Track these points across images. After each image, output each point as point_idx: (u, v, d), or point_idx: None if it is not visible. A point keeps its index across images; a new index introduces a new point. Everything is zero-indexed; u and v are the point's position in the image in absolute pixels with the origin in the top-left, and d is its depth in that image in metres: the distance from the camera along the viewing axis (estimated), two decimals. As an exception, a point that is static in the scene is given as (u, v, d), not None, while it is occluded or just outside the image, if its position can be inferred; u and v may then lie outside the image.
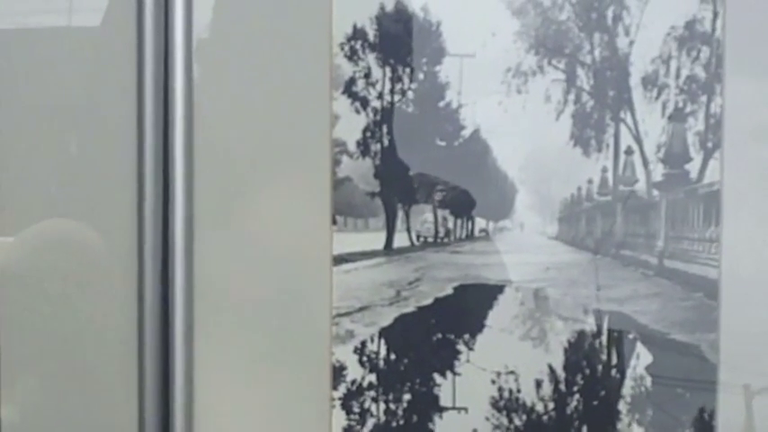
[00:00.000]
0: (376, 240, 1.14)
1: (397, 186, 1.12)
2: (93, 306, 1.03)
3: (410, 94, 1.09)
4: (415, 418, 1.14)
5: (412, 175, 1.10)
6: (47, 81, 1.00)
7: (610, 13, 1.07)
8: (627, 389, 1.14)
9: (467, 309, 1.14)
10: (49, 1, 1.01)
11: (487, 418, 1.15)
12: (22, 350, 1.02)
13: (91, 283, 1.03)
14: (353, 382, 1.13)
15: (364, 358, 1.12)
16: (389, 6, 1.07)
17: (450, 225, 1.11)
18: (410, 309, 1.13)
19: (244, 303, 1.10)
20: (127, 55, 0.99)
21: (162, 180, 1.02)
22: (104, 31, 1.01)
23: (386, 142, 1.08)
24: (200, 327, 1.08)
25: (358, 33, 1.09)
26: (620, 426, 1.14)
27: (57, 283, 1.02)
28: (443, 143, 1.09)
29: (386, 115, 1.09)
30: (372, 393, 1.13)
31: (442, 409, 1.15)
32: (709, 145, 1.08)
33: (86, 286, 1.02)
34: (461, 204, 1.10)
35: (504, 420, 1.12)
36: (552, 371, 1.14)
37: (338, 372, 1.12)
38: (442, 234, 1.12)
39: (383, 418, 1.14)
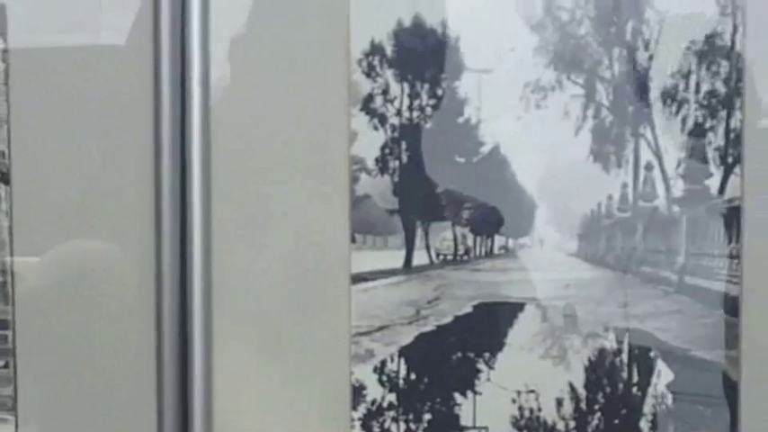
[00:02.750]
0: (395, 258, 1.18)
1: (417, 203, 1.17)
2: (114, 324, 1.09)
3: (428, 111, 1.14)
4: (435, 437, 1.15)
5: (439, 192, 1.15)
6: (69, 99, 1.07)
7: (629, 28, 1.14)
8: (648, 407, 1.16)
9: (487, 327, 1.20)
10: (76, 19, 1.07)
11: (508, 437, 1.15)
12: (44, 367, 1.09)
13: (112, 301, 1.09)
14: (373, 401, 1.19)
15: (384, 377, 1.18)
16: (407, 22, 1.14)
17: (470, 242, 1.18)
18: (430, 327, 1.19)
19: (262, 322, 1.17)
20: (147, 74, 1.06)
21: (180, 197, 1.08)
22: (128, 49, 1.08)
23: (404, 159, 1.15)
24: (219, 345, 1.15)
25: (376, 49, 1.15)
26: (641, 444, 1.15)
27: (81, 302, 1.09)
28: (462, 159, 1.16)
29: (404, 132, 1.14)
30: (392, 413, 1.18)
31: (462, 429, 1.21)
32: (730, 160, 1.14)
33: (108, 304, 1.09)
34: (488, 221, 1.17)
35: (526, 439, 1.16)
36: (573, 389, 1.19)
37: (358, 391, 1.18)
38: (461, 252, 1.18)
39: (403, 438, 1.15)
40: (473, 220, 1.17)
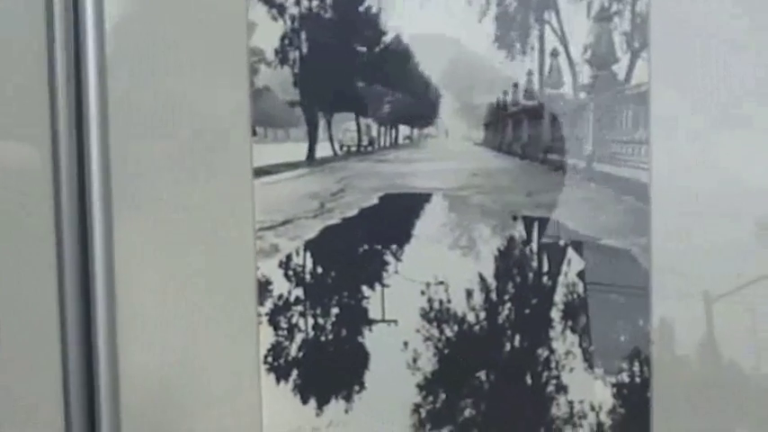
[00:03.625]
0: (298, 151, 1.20)
1: (318, 95, 1.18)
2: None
3: (328, 0, 1.14)
4: (344, 331, 1.22)
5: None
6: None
7: None
8: (559, 296, 1.18)
9: (393, 218, 1.21)
10: None
11: (418, 330, 1.21)
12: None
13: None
14: (280, 296, 1.20)
15: (290, 272, 1.19)
16: None
17: (374, 133, 1.18)
18: (335, 220, 1.20)
19: (165, 217, 1.18)
20: None
21: (75, 93, 1.09)
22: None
23: (305, 50, 1.15)
24: (120, 242, 1.16)
25: (273, -63, 1.12)
26: (552, 334, 1.19)
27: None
28: (364, 49, 1.15)
29: (304, 22, 1.15)
30: (299, 308, 1.20)
31: (371, 322, 1.22)
32: (636, 45, 1.14)
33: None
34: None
35: (435, 332, 1.19)
36: (482, 279, 1.20)
37: (264, 286, 1.19)
38: (365, 143, 1.19)
39: (311, 333, 1.21)
40: (377, 110, 1.16)
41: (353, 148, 1.22)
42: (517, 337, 1.22)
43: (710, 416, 1.18)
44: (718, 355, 1.15)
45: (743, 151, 1.17)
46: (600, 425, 1.17)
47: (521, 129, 1.18)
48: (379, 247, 1.21)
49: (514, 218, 1.18)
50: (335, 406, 1.21)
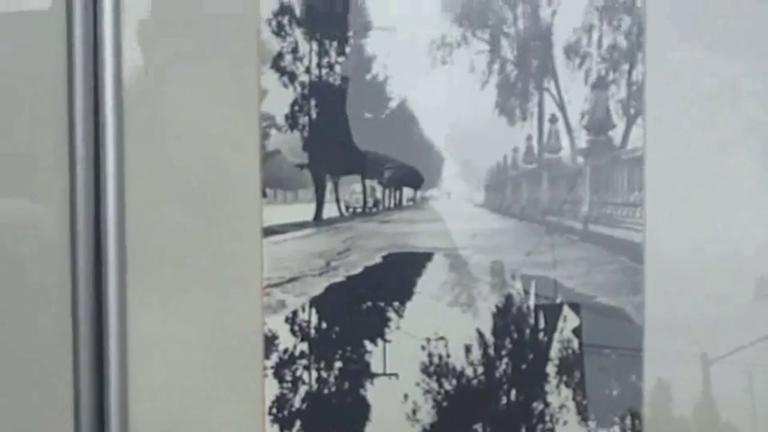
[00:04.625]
0: (305, 212, 1.28)
1: (326, 158, 1.26)
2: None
3: (337, 68, 1.23)
4: (346, 384, 1.29)
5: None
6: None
7: (532, -16, 1.22)
8: (555, 351, 1.26)
9: (396, 277, 1.29)
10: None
11: (418, 384, 1.29)
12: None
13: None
14: (285, 350, 1.28)
15: (296, 327, 1.27)
16: (315, -19, 1.20)
17: (379, 195, 1.26)
18: (340, 278, 1.28)
19: (177, 275, 1.25)
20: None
21: (93, 150, 1.17)
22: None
23: (314, 115, 1.23)
24: (133, 297, 1.23)
25: (284, 9, 1.24)
26: (548, 388, 1.27)
27: None
28: (371, 115, 1.23)
29: (313, 89, 1.23)
30: (304, 362, 1.28)
31: (373, 376, 1.29)
32: (632, 112, 1.23)
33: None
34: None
35: (435, 385, 1.27)
36: (481, 335, 1.28)
37: (270, 341, 1.27)
38: (370, 204, 1.27)
39: (315, 386, 1.28)
40: (384, 175, 1.25)
41: (359, 210, 1.30)
42: (513, 391, 1.30)
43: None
44: (714, 416, 1.21)
45: (737, 212, 1.22)
46: (593, 476, 1.24)
47: (520, 191, 1.24)
48: (382, 303, 1.28)
49: (512, 277, 1.24)
50: None
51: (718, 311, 1.21)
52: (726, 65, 1.19)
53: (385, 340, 1.28)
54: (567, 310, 1.23)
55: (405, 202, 1.26)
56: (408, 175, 1.22)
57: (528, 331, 1.25)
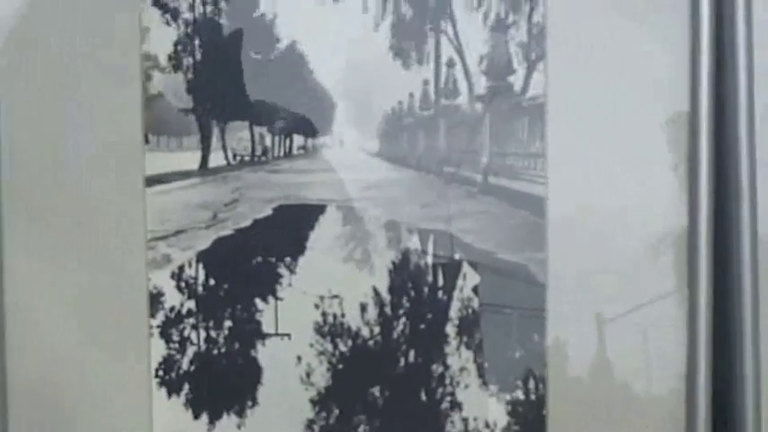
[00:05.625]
0: (190, 160, 1.25)
1: (212, 102, 1.22)
2: None
3: (223, 5, 1.18)
4: (237, 345, 1.27)
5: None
6: None
7: None
8: (454, 311, 1.21)
9: (287, 230, 1.27)
10: None
11: (312, 345, 1.27)
12: None
13: None
14: (172, 308, 1.25)
15: (182, 283, 1.23)
16: None
17: (268, 143, 1.22)
18: (228, 231, 1.27)
19: (53, 229, 1.24)
20: None
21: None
22: None
23: (198, 56, 1.18)
24: (10, 248, 1.24)
25: (165, -58, 1.18)
26: (447, 349, 1.23)
27: None
28: (258, 56, 1.19)
29: (198, 27, 1.19)
30: (192, 320, 1.25)
31: (264, 336, 1.28)
32: (533, 56, 1.18)
33: None
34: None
35: (329, 346, 1.24)
36: (377, 294, 1.25)
37: (155, 298, 1.25)
38: (259, 152, 1.22)
39: (204, 347, 1.26)
40: (271, 119, 1.22)
41: (247, 158, 1.26)
42: (412, 353, 1.28)
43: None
44: (609, 377, 1.16)
45: (639, 168, 1.17)
46: (496, 443, 1.20)
47: (416, 140, 1.20)
48: (273, 259, 1.26)
49: (409, 231, 1.19)
50: (228, 421, 1.27)
51: (616, 269, 1.17)
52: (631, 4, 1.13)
53: (276, 298, 1.27)
54: (466, 266, 1.16)
55: (295, 151, 1.20)
56: (299, 122, 1.16)
57: (426, 289, 1.21)
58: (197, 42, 1.23)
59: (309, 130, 1.25)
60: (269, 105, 1.23)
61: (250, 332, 1.28)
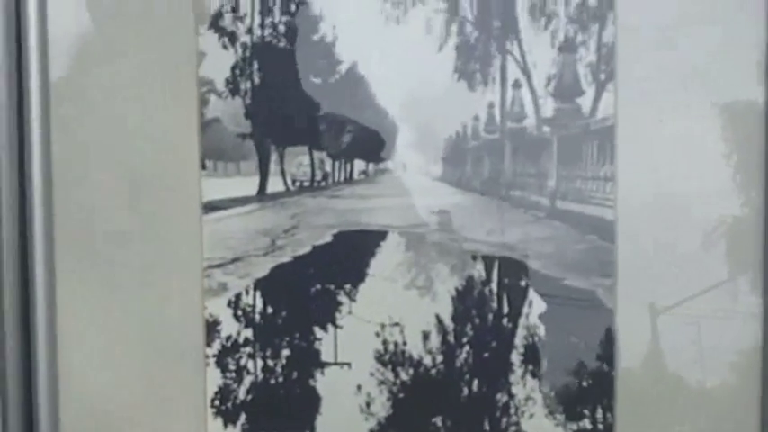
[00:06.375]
0: (248, 185, 1.23)
1: (271, 127, 1.19)
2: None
3: (281, 29, 1.16)
4: (295, 374, 1.25)
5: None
6: None
7: (494, -61, 1.16)
8: (519, 338, 1.19)
9: (347, 257, 1.25)
10: None
11: (372, 374, 1.25)
12: None
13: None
14: (228, 337, 1.23)
15: (239, 312, 1.22)
16: (256, -64, 1.15)
17: (329, 168, 1.20)
18: (286, 258, 1.24)
19: (110, 257, 1.24)
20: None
21: (16, 126, 1.10)
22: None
23: (256, 80, 1.16)
24: (64, 277, 1.22)
25: (223, -37, 1.15)
26: (512, 378, 1.21)
27: None
28: (318, 80, 1.17)
29: (256, 51, 1.17)
30: (249, 349, 1.22)
31: (323, 365, 1.26)
32: (602, 77, 1.16)
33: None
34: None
35: (390, 375, 1.22)
36: (440, 321, 1.23)
37: (212, 327, 1.22)
38: (319, 177, 1.20)
39: (261, 376, 1.23)
40: (332, 144, 1.18)
41: (306, 183, 1.25)
42: (475, 382, 1.27)
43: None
44: (663, 368, 1.19)
45: (705, 180, 1.19)
46: (561, 472, 1.19)
47: (481, 164, 1.18)
48: (333, 286, 1.25)
49: (474, 257, 1.19)
50: None
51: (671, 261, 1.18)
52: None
53: (336, 326, 1.25)
54: (532, 293, 1.15)
55: (356, 176, 1.19)
56: (361, 146, 1.14)
57: (491, 316, 1.20)
58: (255, 66, 1.18)
59: (371, 155, 1.22)
60: (329, 129, 1.19)
61: (308, 361, 1.27)
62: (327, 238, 1.24)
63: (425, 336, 1.25)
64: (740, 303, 1.18)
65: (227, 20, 1.20)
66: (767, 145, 1.14)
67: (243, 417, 1.24)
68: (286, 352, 1.26)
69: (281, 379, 1.25)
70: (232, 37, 1.21)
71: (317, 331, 1.27)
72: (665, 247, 1.19)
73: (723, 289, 1.18)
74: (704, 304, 1.22)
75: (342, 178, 1.25)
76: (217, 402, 1.23)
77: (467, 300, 1.22)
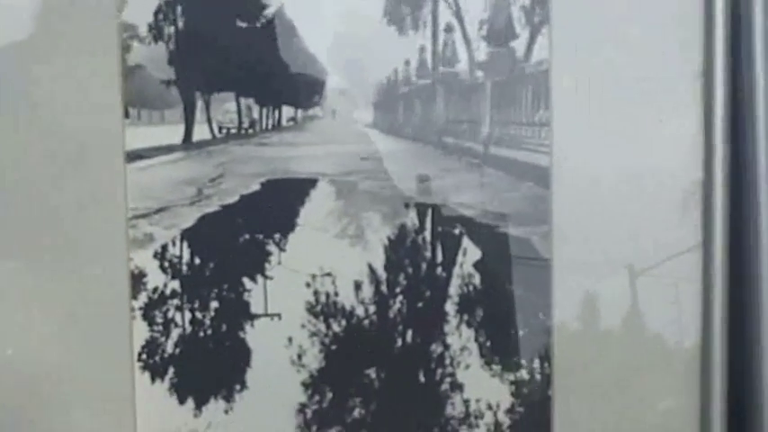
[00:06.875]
0: (173, 133, 1.21)
1: (196, 73, 1.18)
2: None
3: (205, -30, 1.14)
4: (224, 326, 1.24)
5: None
6: None
7: None
8: (454, 288, 1.18)
9: (276, 206, 1.23)
10: None
11: (303, 325, 1.24)
12: None
13: None
14: (155, 289, 1.22)
15: (165, 263, 1.19)
16: None
17: (256, 114, 1.17)
18: (214, 208, 1.23)
19: (30, 202, 1.20)
20: None
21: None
22: None
23: (181, 25, 1.13)
24: None
25: None
26: (447, 328, 1.20)
27: None
28: (244, 24, 1.14)
29: (179, -6, 1.14)
30: (176, 301, 1.22)
31: (253, 317, 1.24)
32: (536, 20, 1.14)
33: None
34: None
35: (322, 326, 1.21)
36: (372, 271, 1.22)
37: (138, 279, 1.21)
38: (246, 125, 1.18)
39: (189, 329, 1.22)
40: (259, 90, 1.17)
41: (233, 131, 1.23)
42: (409, 332, 1.27)
43: (633, 391, 1.22)
44: (642, 328, 1.21)
45: (652, 128, 1.20)
46: (498, 424, 1.16)
47: (413, 109, 1.16)
48: (262, 236, 1.24)
49: (406, 205, 1.19)
50: (215, 406, 1.25)
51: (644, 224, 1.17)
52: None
53: (265, 277, 1.24)
54: (466, 241, 1.12)
55: (285, 122, 1.16)
56: (289, 92, 1.11)
57: (424, 266, 1.17)
58: (179, 10, 1.16)
59: (300, 101, 1.20)
60: (256, 75, 1.17)
61: (238, 313, 1.25)
62: (255, 187, 1.23)
63: (357, 286, 1.24)
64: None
65: (148, -39, 1.14)
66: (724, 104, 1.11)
67: (171, 371, 1.23)
68: (214, 304, 1.24)
69: (209, 332, 1.23)
70: (154, -21, 1.15)
71: (247, 282, 1.25)
72: (602, 193, 1.15)
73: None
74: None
75: (270, 125, 1.23)
76: (144, 356, 1.22)
77: (399, 249, 1.20)
